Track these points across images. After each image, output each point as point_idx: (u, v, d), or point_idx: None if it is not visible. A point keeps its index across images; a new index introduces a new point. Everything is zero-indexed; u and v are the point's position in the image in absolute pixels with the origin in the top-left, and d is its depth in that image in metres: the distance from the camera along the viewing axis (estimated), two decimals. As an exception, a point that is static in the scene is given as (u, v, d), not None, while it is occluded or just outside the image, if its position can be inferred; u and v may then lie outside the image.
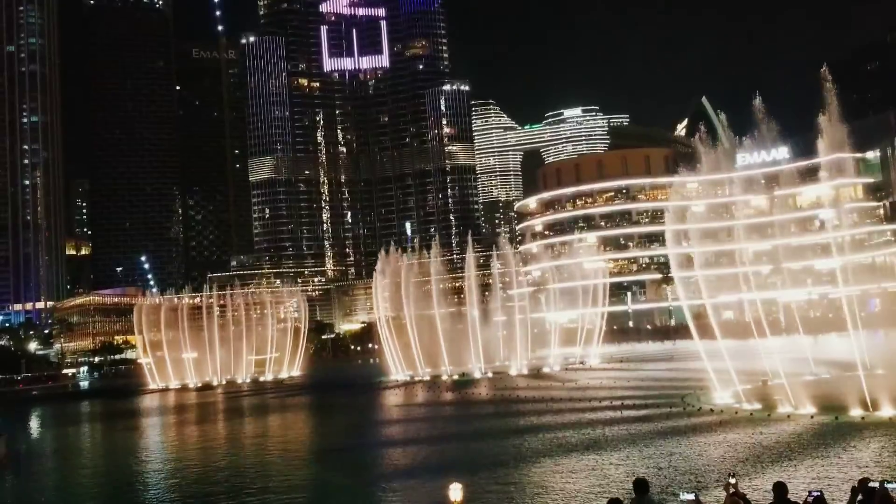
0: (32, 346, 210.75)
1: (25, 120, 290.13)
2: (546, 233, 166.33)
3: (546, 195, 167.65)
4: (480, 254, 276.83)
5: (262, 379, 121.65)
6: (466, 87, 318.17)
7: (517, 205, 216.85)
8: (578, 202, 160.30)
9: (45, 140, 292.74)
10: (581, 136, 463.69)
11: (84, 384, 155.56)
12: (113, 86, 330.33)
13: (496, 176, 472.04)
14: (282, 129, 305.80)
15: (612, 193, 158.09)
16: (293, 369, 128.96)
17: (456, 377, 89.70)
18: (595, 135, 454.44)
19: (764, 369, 49.33)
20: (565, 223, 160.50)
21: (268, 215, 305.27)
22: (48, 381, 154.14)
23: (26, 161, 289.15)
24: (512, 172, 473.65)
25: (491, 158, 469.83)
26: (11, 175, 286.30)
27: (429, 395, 74.60)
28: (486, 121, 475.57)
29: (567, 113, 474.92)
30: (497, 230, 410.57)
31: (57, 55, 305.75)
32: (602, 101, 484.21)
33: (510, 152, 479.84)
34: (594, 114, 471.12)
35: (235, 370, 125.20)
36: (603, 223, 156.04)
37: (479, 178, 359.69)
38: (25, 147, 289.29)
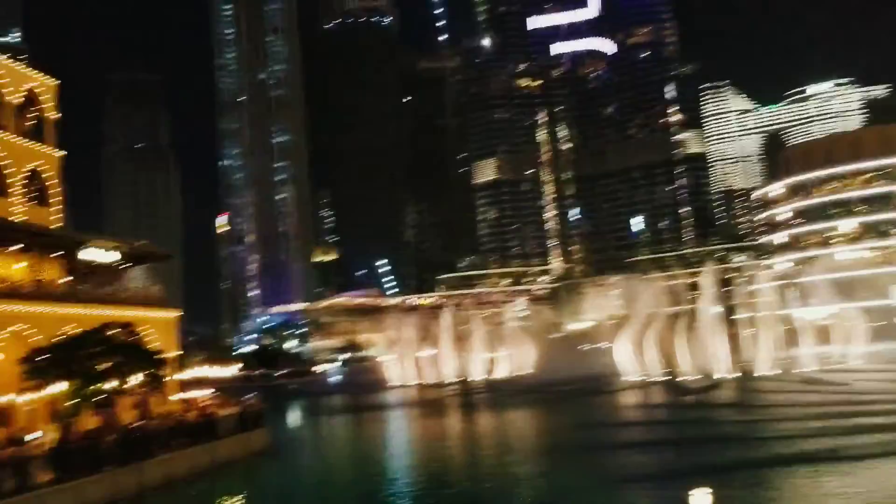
0: (289, 344, 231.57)
1: (276, 140, 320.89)
2: (793, 221, 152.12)
3: (791, 180, 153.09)
4: (718, 247, 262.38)
5: (494, 377, 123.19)
6: (696, 71, 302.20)
7: (758, 192, 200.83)
8: (830, 186, 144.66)
9: (293, 157, 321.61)
10: (829, 113, 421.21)
11: (333, 379, 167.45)
12: (348, 101, 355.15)
13: (733, 163, 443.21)
14: (503, 130, 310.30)
15: (871, 175, 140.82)
16: (523, 368, 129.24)
17: (696, 378, 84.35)
18: (847, 111, 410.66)
19: None
20: (815, 210, 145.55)
21: (493, 216, 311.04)
22: (304, 377, 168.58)
23: (278, 177, 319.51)
24: (750, 158, 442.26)
25: (726, 144, 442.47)
26: (267, 191, 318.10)
27: (666, 396, 70.59)
28: (720, 105, 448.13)
29: (812, 89, 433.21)
30: (736, 221, 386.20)
31: (300, 78, 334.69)
32: (856, 73, 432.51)
33: (747, 136, 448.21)
34: (846, 87, 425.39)
35: (469, 368, 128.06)
36: (860, 208, 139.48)
37: (714, 165, 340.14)
38: (277, 165, 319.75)
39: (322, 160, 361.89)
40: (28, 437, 33.66)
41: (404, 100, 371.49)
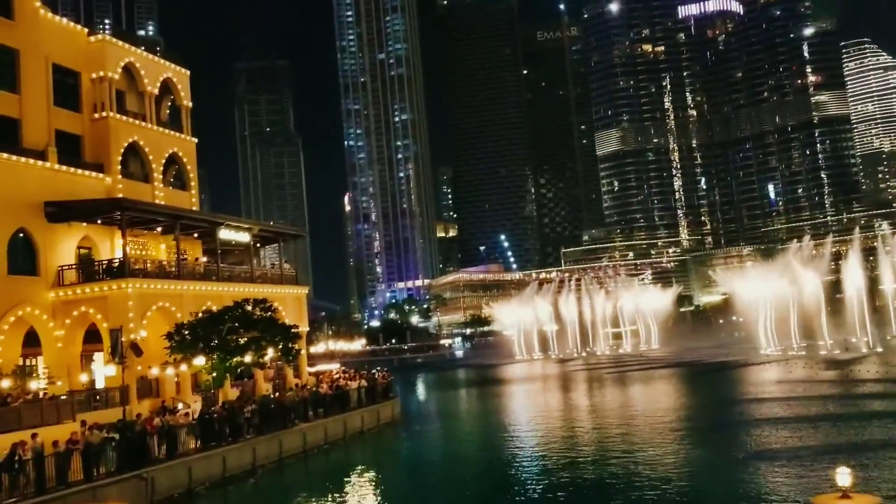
0: (414, 319, 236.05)
1: (396, 119, 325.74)
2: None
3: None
4: (862, 214, 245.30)
5: (620, 351, 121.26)
6: (834, 28, 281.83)
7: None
8: None
9: (414, 135, 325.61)
10: None
11: (458, 353, 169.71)
12: (466, 77, 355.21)
13: (877, 124, 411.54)
14: (626, 99, 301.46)
15: None
16: (651, 342, 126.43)
17: (837, 352, 79.58)
18: None
19: None
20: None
21: (617, 188, 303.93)
22: (429, 351, 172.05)
23: (399, 156, 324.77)
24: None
25: (869, 104, 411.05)
26: (389, 169, 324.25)
27: (805, 371, 66.95)
28: (862, 62, 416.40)
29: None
30: (882, 186, 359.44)
31: (418, 56, 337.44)
32: None
33: (894, 96, 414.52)
34: None
35: (594, 342, 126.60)
36: None
37: (856, 128, 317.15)
38: (398, 143, 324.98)
39: (442, 136, 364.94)
40: (176, 407, 35.91)
41: (523, 72, 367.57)
